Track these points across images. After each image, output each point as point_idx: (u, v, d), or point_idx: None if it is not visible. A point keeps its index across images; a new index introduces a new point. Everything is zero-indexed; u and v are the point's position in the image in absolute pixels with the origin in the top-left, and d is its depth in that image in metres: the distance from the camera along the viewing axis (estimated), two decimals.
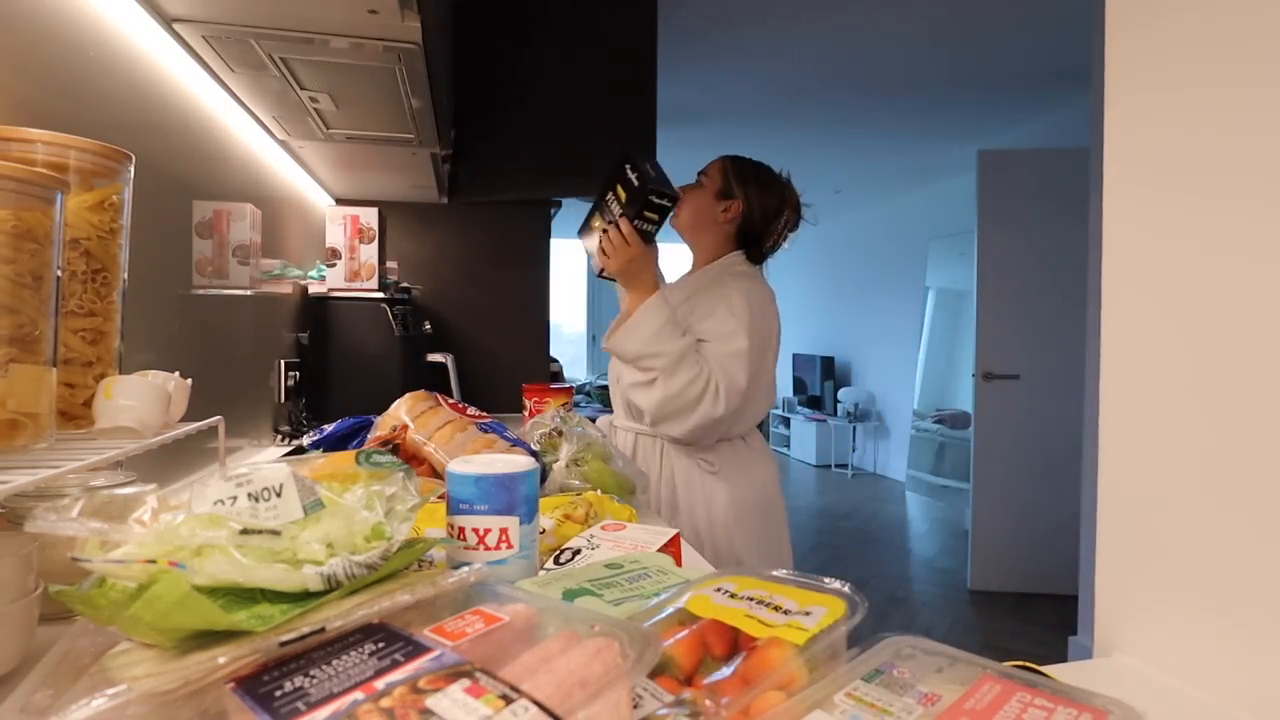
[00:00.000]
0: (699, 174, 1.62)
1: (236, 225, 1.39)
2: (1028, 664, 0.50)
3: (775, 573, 0.56)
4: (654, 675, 0.45)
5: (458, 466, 0.66)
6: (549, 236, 2.86)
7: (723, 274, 1.51)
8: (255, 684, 0.38)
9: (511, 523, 0.65)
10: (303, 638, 0.41)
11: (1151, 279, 0.70)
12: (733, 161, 1.59)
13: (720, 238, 1.57)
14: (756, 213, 1.55)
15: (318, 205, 2.37)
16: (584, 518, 0.90)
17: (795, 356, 8.15)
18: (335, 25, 1.12)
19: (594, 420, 1.31)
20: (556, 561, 0.73)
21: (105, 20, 1.04)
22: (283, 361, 1.98)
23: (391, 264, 2.34)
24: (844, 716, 0.40)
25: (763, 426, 4.95)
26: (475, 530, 0.65)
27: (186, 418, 0.85)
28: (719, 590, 0.53)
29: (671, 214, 1.43)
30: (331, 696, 0.37)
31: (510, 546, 0.65)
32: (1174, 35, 0.68)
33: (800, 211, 1.62)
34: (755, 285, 1.49)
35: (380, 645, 0.42)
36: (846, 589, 0.52)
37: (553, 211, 2.94)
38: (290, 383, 2.00)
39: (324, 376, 2.13)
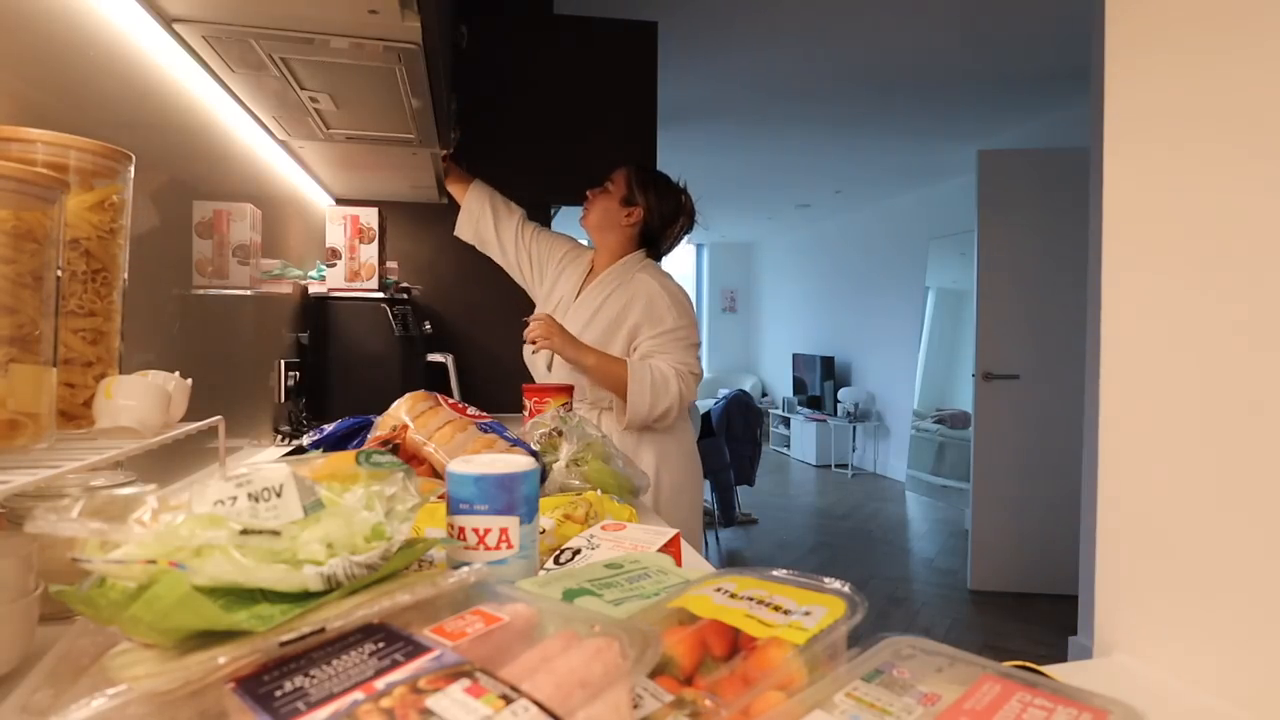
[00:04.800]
0: (606, 180, 1.82)
1: (236, 225, 1.39)
2: (1028, 664, 0.50)
3: (775, 573, 0.56)
4: (654, 675, 0.45)
5: (458, 466, 0.66)
6: None
7: (632, 269, 1.77)
8: (255, 684, 0.38)
9: (512, 523, 0.65)
10: (303, 638, 0.41)
11: (1151, 278, 0.70)
12: (636, 171, 1.81)
13: (624, 238, 1.79)
14: (656, 218, 1.78)
15: (318, 205, 2.37)
16: (584, 518, 0.90)
17: (795, 356, 8.15)
18: (335, 25, 1.12)
19: None
20: (556, 561, 0.74)
21: (105, 20, 1.04)
22: (283, 361, 1.98)
23: (391, 264, 2.34)
24: (844, 716, 0.40)
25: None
26: (475, 530, 0.65)
27: (186, 418, 0.85)
28: (719, 590, 0.53)
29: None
30: (331, 696, 0.37)
31: (510, 546, 0.65)
32: (1173, 29, 0.68)
33: (694, 217, 1.85)
34: (669, 279, 1.76)
35: (380, 645, 0.42)
36: (846, 589, 0.52)
37: (552, 211, 2.94)
38: (290, 383, 2.00)
39: (324, 376, 2.13)
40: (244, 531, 0.45)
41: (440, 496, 0.73)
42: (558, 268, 1.89)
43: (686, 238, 1.88)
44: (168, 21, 1.10)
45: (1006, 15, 3.10)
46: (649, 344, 1.69)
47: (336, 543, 0.47)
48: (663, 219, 1.79)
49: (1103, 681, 0.67)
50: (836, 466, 7.15)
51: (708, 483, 4.57)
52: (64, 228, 0.65)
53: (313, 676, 0.39)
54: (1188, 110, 0.66)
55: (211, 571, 0.42)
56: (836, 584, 0.53)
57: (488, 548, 0.65)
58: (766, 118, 4.51)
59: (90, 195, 0.72)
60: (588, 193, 1.84)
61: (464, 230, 1.99)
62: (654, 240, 1.81)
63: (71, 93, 0.97)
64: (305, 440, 1.20)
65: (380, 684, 0.38)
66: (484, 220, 1.95)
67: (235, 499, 0.47)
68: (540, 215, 2.84)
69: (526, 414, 1.49)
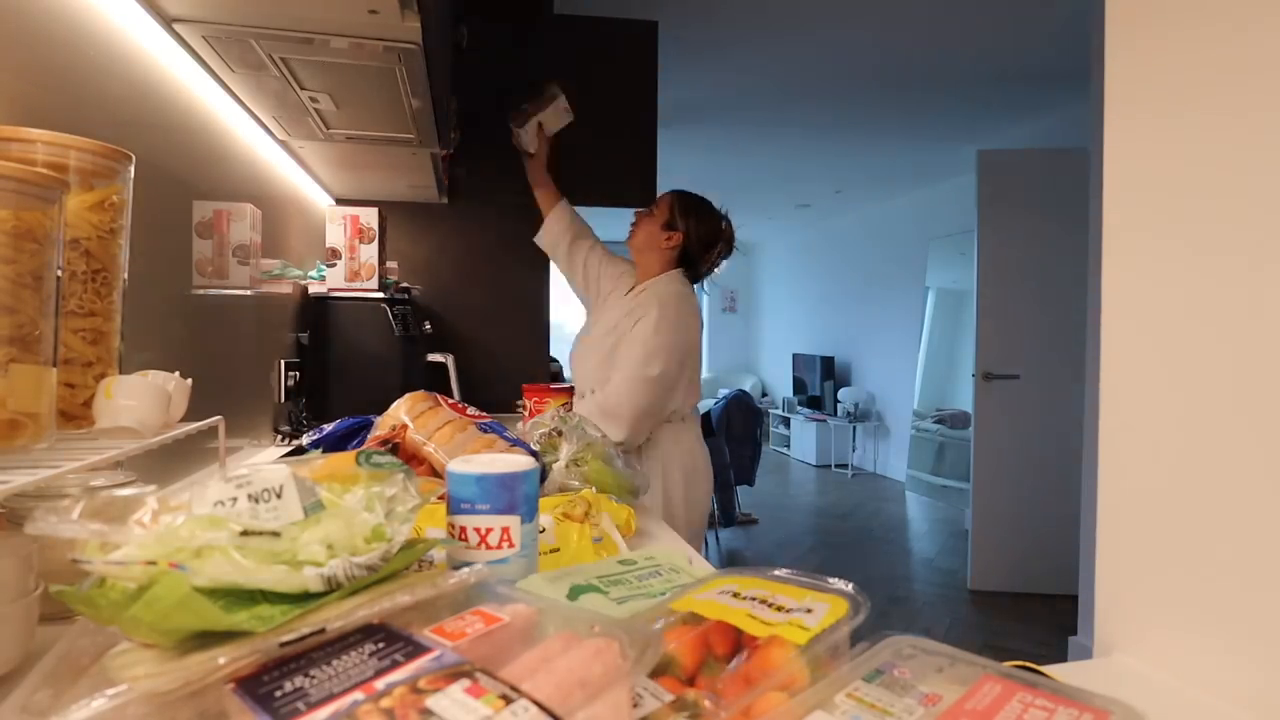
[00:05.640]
0: (652, 205, 1.91)
1: (236, 225, 1.39)
2: (1028, 664, 0.50)
3: (778, 572, 0.56)
4: (656, 675, 0.45)
5: (458, 466, 0.66)
6: None
7: (656, 286, 1.83)
8: (255, 684, 0.38)
9: (513, 522, 0.65)
10: (303, 638, 0.41)
11: (1152, 278, 0.70)
12: (679, 196, 1.88)
13: (663, 260, 1.86)
14: (695, 243, 1.85)
15: (318, 205, 2.37)
16: (583, 516, 0.90)
17: (795, 356, 8.15)
18: (335, 25, 1.12)
19: None
20: None
21: (105, 20, 1.04)
22: (283, 361, 1.98)
23: (391, 264, 2.34)
24: (845, 717, 0.40)
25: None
26: (477, 530, 0.65)
27: (186, 418, 0.84)
28: (722, 591, 0.53)
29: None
30: (331, 697, 0.37)
31: (512, 546, 0.65)
32: (1175, 37, 0.68)
33: (733, 244, 1.92)
34: (679, 300, 1.79)
35: (380, 645, 0.42)
36: (849, 588, 0.52)
37: None
38: (290, 383, 2.00)
39: (324, 376, 2.13)
40: (244, 533, 0.45)
41: (440, 497, 0.73)
42: (610, 286, 1.98)
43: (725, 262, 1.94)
44: (168, 21, 1.10)
45: (1006, 15, 3.10)
46: (624, 339, 1.75)
47: (337, 544, 0.47)
48: (701, 244, 1.85)
49: (1103, 681, 0.67)
50: (836, 466, 7.15)
51: None
52: (64, 228, 0.65)
53: (313, 677, 0.39)
54: (1189, 104, 0.66)
55: (212, 572, 0.42)
56: (839, 583, 0.53)
57: (489, 547, 0.65)
58: (766, 118, 4.51)
59: (90, 195, 0.72)
60: (635, 213, 1.92)
61: (543, 243, 2.13)
62: (693, 263, 1.87)
63: (71, 93, 0.97)
64: (305, 440, 1.20)
65: (380, 684, 0.38)
66: (563, 240, 2.07)
67: (235, 500, 0.47)
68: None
69: (526, 414, 1.49)
